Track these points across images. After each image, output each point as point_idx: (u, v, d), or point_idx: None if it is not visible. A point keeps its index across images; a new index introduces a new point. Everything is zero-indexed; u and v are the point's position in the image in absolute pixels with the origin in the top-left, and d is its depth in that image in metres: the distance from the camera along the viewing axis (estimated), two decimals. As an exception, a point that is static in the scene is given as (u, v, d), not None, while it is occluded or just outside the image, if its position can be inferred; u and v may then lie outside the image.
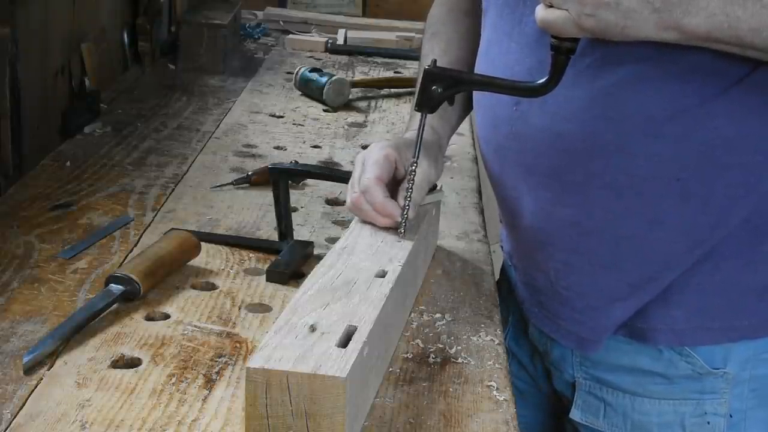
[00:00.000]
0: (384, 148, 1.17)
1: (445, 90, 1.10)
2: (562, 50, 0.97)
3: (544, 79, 1.01)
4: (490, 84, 1.11)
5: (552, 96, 1.02)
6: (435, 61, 1.12)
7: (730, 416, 1.13)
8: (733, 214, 1.05)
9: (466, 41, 1.34)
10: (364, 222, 1.16)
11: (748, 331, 1.11)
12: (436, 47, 1.34)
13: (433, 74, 1.10)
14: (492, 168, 1.22)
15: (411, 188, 1.14)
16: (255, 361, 0.83)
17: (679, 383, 1.14)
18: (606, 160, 1.05)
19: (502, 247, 1.38)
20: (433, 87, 1.10)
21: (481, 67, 1.21)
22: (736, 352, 1.11)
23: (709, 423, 1.13)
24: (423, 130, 1.13)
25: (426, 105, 1.11)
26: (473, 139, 1.89)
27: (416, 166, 1.13)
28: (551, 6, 0.93)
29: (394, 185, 1.17)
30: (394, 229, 1.14)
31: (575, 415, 1.22)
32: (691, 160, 1.02)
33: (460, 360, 1.05)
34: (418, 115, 1.19)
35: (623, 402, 1.17)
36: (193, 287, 1.18)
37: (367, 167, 1.14)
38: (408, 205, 1.14)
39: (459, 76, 1.13)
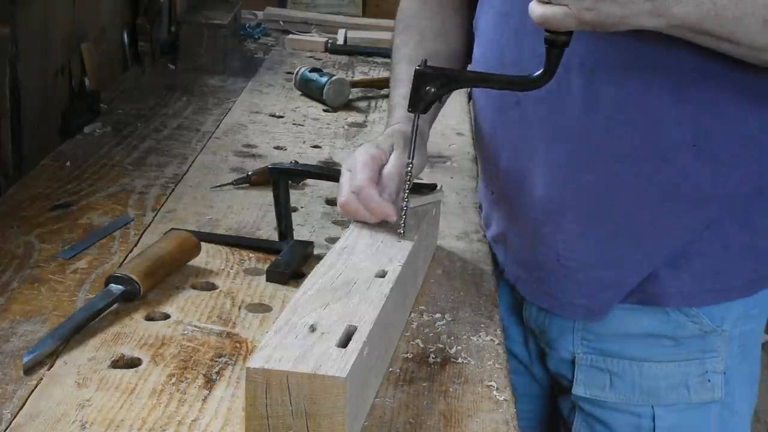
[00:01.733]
0: (369, 150, 1.17)
1: (439, 90, 1.11)
2: (558, 44, 0.99)
3: (539, 73, 1.02)
4: (484, 80, 1.12)
5: (590, 54, 1.04)
6: (425, 61, 1.12)
7: (725, 373, 1.20)
8: (738, 180, 1.11)
9: (441, 35, 1.34)
10: (362, 222, 1.16)
11: (742, 290, 1.19)
12: (411, 40, 1.34)
13: (425, 75, 1.10)
14: (499, 142, 1.23)
15: (408, 189, 1.14)
16: (255, 361, 0.83)
17: (685, 344, 1.19)
18: (634, 124, 1.08)
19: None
20: (427, 87, 1.10)
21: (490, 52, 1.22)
22: (732, 310, 1.19)
23: (709, 381, 1.20)
24: (417, 130, 1.13)
25: (419, 106, 1.11)
26: (473, 139, 1.89)
27: (411, 167, 1.14)
28: (548, 2, 0.94)
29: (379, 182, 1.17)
30: (394, 229, 1.15)
31: (578, 390, 1.24)
32: (708, 126, 1.07)
33: (460, 360, 1.05)
34: (398, 110, 1.20)
35: (630, 370, 1.21)
36: (193, 287, 1.18)
37: (357, 170, 1.14)
38: (406, 206, 1.14)
39: (452, 74, 1.13)
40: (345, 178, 1.16)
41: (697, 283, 1.17)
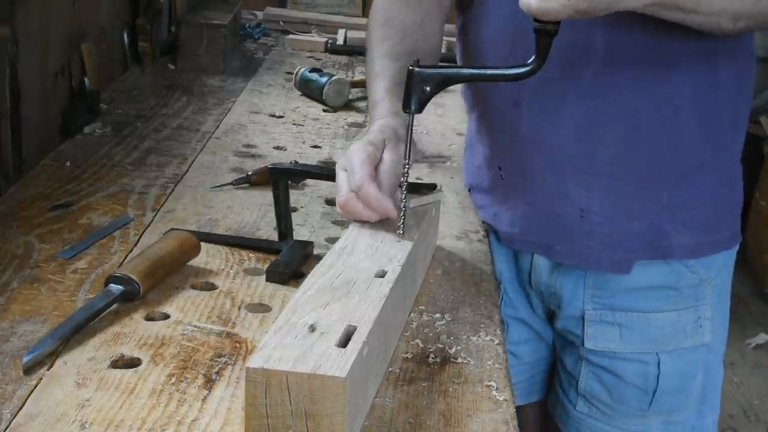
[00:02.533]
0: (364, 148, 1.16)
1: (434, 88, 1.11)
2: (549, 32, 1.02)
3: (530, 64, 1.05)
4: (478, 76, 1.13)
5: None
6: (417, 60, 1.12)
7: (711, 319, 1.33)
8: (721, 135, 1.27)
9: (421, 32, 1.35)
10: (362, 222, 1.16)
11: (726, 242, 1.34)
12: (392, 36, 1.35)
13: (421, 74, 1.10)
14: (517, 111, 1.27)
15: (405, 189, 1.14)
16: (255, 361, 0.83)
17: (684, 293, 1.31)
18: (656, 78, 1.20)
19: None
20: (424, 87, 1.10)
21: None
22: (717, 261, 1.33)
23: (701, 327, 1.33)
24: (412, 129, 1.13)
25: (415, 106, 1.11)
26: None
27: (409, 168, 1.14)
28: None
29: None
30: (393, 229, 1.15)
31: (589, 344, 1.34)
32: (719, 48, 1.21)
33: (459, 360, 1.05)
34: (383, 105, 1.22)
35: (639, 321, 1.32)
36: (193, 287, 1.18)
37: (355, 168, 1.13)
38: (405, 207, 1.14)
39: (447, 73, 1.13)
40: (342, 177, 1.15)
41: (694, 236, 1.29)
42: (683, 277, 1.30)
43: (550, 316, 1.42)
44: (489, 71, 1.15)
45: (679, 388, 1.34)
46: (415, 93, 1.11)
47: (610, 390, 1.35)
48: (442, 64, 1.23)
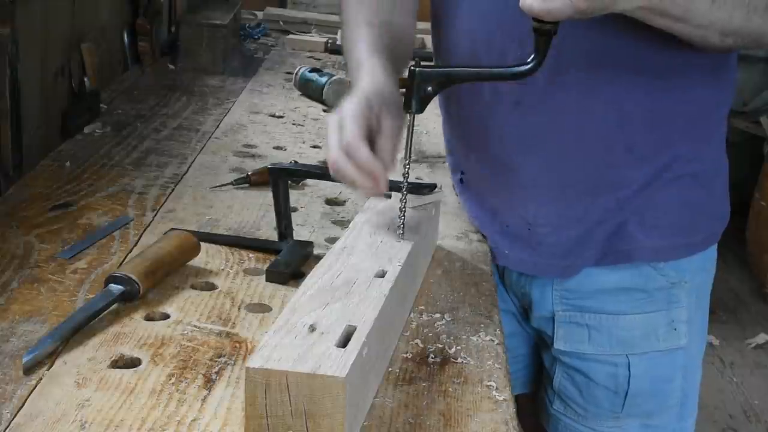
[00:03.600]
0: (357, 104, 1.11)
1: (436, 88, 1.11)
2: (547, 33, 1.02)
3: (530, 63, 1.05)
4: (479, 76, 1.14)
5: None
6: (418, 61, 1.12)
7: (687, 322, 1.32)
8: (690, 137, 1.25)
9: (394, 6, 1.34)
10: (362, 222, 1.16)
11: (701, 245, 1.32)
12: (366, 9, 1.32)
13: (422, 74, 1.10)
14: (467, 125, 1.30)
15: (406, 189, 1.14)
16: (254, 361, 0.83)
17: (654, 295, 1.30)
18: (600, 87, 1.19)
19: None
20: (425, 87, 1.10)
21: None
22: (692, 263, 1.31)
23: (675, 330, 1.32)
24: (413, 129, 1.13)
25: (416, 106, 1.11)
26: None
27: (409, 168, 1.13)
28: None
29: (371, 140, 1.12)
30: (393, 229, 1.15)
31: (559, 345, 1.35)
32: (662, 100, 1.20)
33: (459, 360, 1.05)
34: (368, 63, 1.20)
35: (607, 323, 1.31)
36: (193, 287, 1.18)
37: (347, 123, 1.09)
38: (405, 206, 1.14)
39: (449, 73, 1.13)
40: (333, 131, 1.10)
41: (665, 240, 1.28)
42: (652, 279, 1.29)
43: (526, 315, 1.43)
44: (489, 71, 1.15)
45: (653, 390, 1.34)
46: (416, 93, 1.10)
47: (582, 390, 1.36)
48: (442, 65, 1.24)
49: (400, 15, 1.35)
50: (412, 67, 1.10)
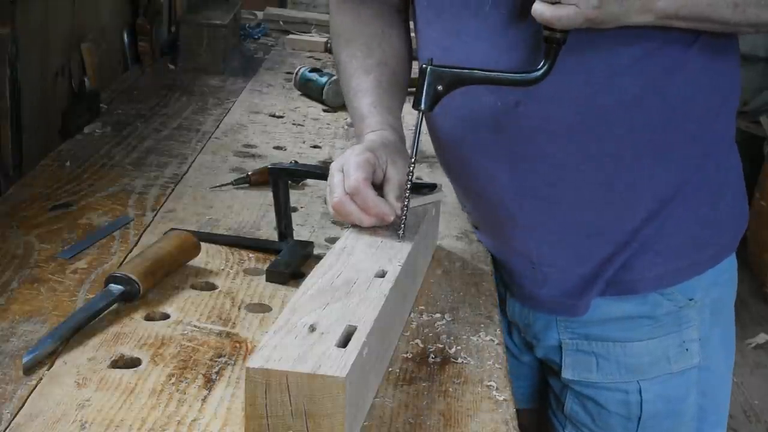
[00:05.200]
0: (363, 152, 1.14)
1: (447, 88, 1.10)
2: (556, 41, 1.04)
3: (540, 69, 1.06)
4: (489, 79, 1.12)
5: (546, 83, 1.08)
6: (432, 60, 1.12)
7: (700, 339, 1.27)
8: (692, 163, 1.20)
9: (383, 40, 1.34)
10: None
11: (709, 261, 1.27)
12: (357, 52, 1.33)
13: (435, 73, 1.10)
14: (464, 159, 1.26)
15: (409, 188, 1.14)
16: (255, 361, 0.83)
17: (662, 320, 1.26)
18: (594, 136, 1.15)
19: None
20: (437, 86, 1.10)
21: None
22: (702, 281, 1.26)
23: (687, 350, 1.27)
24: (420, 127, 1.13)
25: (426, 104, 1.11)
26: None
27: (414, 167, 1.13)
28: (557, 2, 1.00)
29: (376, 189, 1.15)
30: (393, 229, 1.15)
31: (567, 374, 1.31)
32: (660, 122, 1.15)
33: (459, 360, 1.05)
34: (372, 119, 1.22)
35: (614, 351, 1.28)
36: (193, 287, 1.18)
37: (351, 171, 1.12)
38: (407, 206, 1.14)
39: (460, 73, 1.13)
40: (336, 179, 1.13)
41: (669, 264, 1.23)
42: (658, 305, 1.25)
43: (528, 346, 1.39)
44: (499, 75, 1.11)
45: (667, 411, 1.30)
46: (427, 91, 1.10)
47: (594, 418, 1.32)
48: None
49: (391, 44, 1.34)
50: (424, 65, 1.10)
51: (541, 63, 1.06)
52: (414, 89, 1.12)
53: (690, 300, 1.26)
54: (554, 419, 1.39)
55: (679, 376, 1.28)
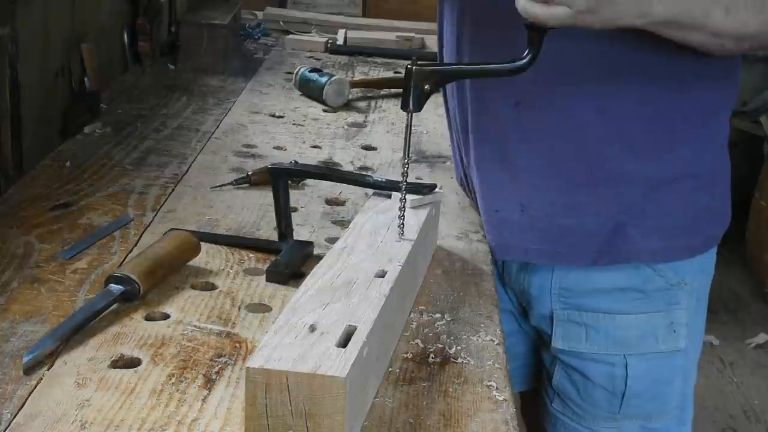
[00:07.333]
0: None
1: (433, 86, 1.11)
2: (540, 28, 1.04)
3: (524, 58, 1.06)
4: (475, 72, 1.13)
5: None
6: (416, 59, 1.12)
7: (687, 325, 1.33)
8: (697, 147, 1.26)
9: None
10: (361, 222, 1.16)
11: (701, 247, 1.33)
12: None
13: (420, 73, 1.10)
14: (464, 109, 1.31)
15: (405, 187, 1.14)
16: (255, 361, 0.83)
17: (652, 296, 1.31)
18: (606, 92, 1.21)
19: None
20: (423, 85, 1.10)
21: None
22: (692, 265, 1.32)
23: (675, 331, 1.33)
24: (411, 128, 1.14)
25: (414, 104, 1.11)
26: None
27: (408, 167, 1.13)
28: (545, 1, 1.00)
29: None
30: (393, 229, 1.15)
31: (557, 343, 1.36)
32: (664, 103, 1.22)
33: (459, 360, 1.05)
34: None
35: (604, 322, 1.32)
36: (193, 287, 1.18)
37: None
38: (404, 206, 1.14)
39: (445, 71, 1.13)
40: None
41: (663, 241, 1.28)
42: (650, 280, 1.30)
43: (525, 313, 1.44)
44: (483, 67, 1.15)
45: (652, 392, 1.34)
46: (414, 91, 1.10)
47: (580, 390, 1.37)
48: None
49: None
50: (408, 66, 1.10)
51: (526, 51, 1.06)
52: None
53: (680, 281, 1.31)
54: (544, 394, 1.44)
55: (667, 358, 1.33)
